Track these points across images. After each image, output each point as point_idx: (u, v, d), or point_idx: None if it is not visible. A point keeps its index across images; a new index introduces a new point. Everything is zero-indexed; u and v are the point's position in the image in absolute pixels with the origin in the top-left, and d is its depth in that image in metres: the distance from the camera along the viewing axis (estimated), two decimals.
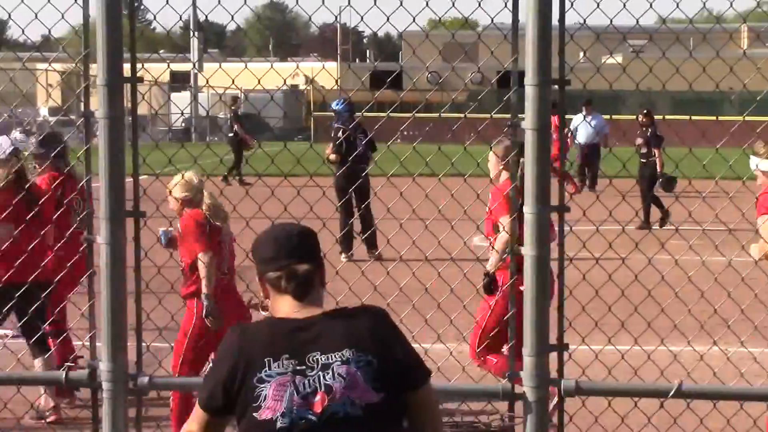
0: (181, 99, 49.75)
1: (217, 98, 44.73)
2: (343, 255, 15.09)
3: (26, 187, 7.76)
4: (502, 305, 6.94)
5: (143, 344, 4.94)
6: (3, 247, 7.48)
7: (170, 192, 7.10)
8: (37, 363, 7.89)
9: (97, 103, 4.70)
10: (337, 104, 16.58)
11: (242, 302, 7.38)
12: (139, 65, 4.76)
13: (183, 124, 50.69)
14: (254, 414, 3.63)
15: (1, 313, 7.64)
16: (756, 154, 7.49)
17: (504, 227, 7.08)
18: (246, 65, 5.02)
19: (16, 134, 8.53)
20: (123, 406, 4.77)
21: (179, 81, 55.15)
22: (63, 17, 4.89)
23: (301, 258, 3.83)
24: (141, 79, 4.78)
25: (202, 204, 7.27)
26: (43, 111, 52.93)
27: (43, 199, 7.48)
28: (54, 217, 7.72)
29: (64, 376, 4.90)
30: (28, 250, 6.80)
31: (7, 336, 9.16)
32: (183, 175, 7.25)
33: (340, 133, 15.72)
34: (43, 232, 7.03)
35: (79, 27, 4.82)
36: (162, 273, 5.41)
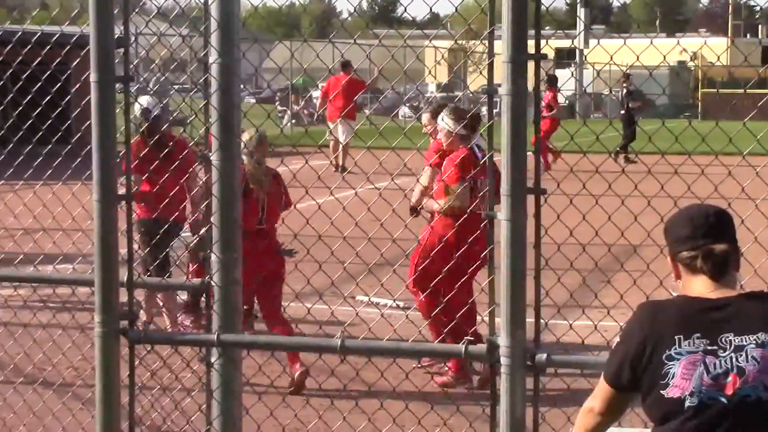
0: (564, 76, 49.81)
1: (597, 75, 44.55)
2: None
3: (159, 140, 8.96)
4: None
5: (542, 321, 4.93)
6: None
7: None
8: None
9: (500, 79, 4.73)
10: None
11: (273, 248, 8.75)
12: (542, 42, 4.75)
13: (566, 102, 50.69)
14: (661, 391, 3.61)
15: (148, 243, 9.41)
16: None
17: None
18: (652, 41, 4.91)
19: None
20: (521, 383, 4.79)
21: (562, 57, 55.22)
22: None
23: (717, 238, 3.76)
24: (545, 56, 4.76)
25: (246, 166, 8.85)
26: (431, 87, 54.32)
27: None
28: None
29: (463, 350, 4.96)
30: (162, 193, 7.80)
31: (386, 305, 9.45)
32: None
33: None
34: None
35: (485, 4, 4.85)
36: (562, 250, 5.39)
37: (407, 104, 43.64)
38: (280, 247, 8.96)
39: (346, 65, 25.00)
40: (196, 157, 8.64)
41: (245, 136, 8.78)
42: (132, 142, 10.03)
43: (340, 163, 24.33)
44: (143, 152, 9.12)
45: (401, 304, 9.12)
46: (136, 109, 10.23)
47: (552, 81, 27.49)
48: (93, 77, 4.79)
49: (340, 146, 24.47)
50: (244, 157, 8.69)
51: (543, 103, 27.73)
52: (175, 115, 10.63)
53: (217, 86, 4.85)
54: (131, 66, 5.00)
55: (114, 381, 5.07)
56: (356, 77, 25.32)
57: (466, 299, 8.10)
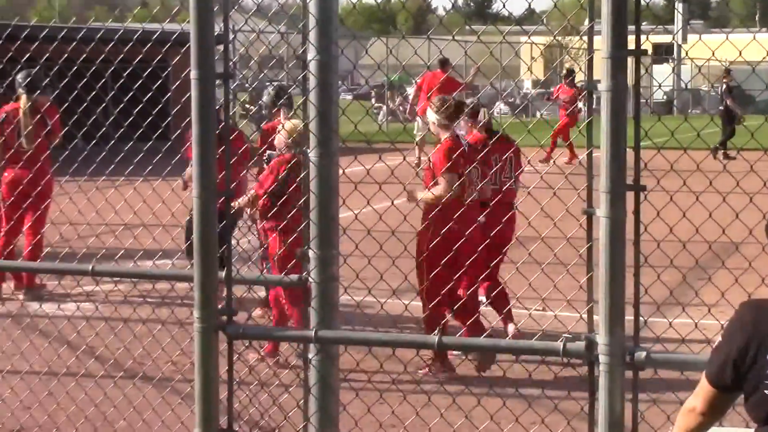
0: (660, 72, 49.25)
1: (698, 71, 43.99)
2: None
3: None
4: None
5: (641, 319, 4.88)
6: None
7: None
8: None
9: (599, 75, 4.68)
10: None
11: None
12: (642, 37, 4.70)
13: (665, 97, 50.14)
14: (766, 391, 3.55)
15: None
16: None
17: None
18: (755, 36, 4.83)
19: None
20: (620, 380, 4.74)
21: (660, 53, 54.64)
22: None
23: None
24: (645, 52, 4.71)
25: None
26: (527, 84, 54.08)
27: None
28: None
29: (561, 348, 4.92)
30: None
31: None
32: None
33: None
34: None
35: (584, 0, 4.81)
36: (661, 247, 5.33)
37: (503, 101, 43.48)
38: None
39: (444, 62, 24.94)
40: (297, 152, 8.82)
41: (289, 126, 9.29)
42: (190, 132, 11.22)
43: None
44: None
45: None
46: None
47: (570, 74, 27.32)
48: (193, 74, 4.83)
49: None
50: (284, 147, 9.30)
51: (562, 97, 27.30)
52: (273, 111, 10.91)
53: (315, 83, 4.87)
54: (230, 63, 5.02)
55: (213, 376, 5.11)
56: (453, 76, 25.28)
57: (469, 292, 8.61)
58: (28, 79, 11.79)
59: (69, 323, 9.59)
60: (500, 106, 40.95)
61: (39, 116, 11.33)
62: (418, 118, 25.78)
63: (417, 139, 25.28)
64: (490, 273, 8.84)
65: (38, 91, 11.75)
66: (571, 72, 27.94)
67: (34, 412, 7.44)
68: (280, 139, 9.44)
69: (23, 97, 11.80)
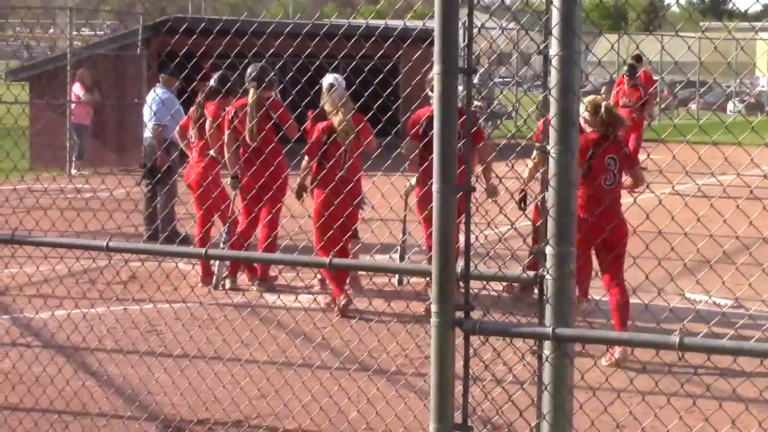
0: None
1: None
2: None
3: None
4: None
5: None
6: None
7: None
8: None
9: None
10: None
11: (353, 192, 9.72)
12: None
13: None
14: None
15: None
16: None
17: None
18: None
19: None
20: None
21: None
22: None
23: None
24: None
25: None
26: (763, 81, 52.53)
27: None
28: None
29: None
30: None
31: (726, 305, 9.15)
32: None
33: None
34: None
35: None
36: None
37: (737, 98, 42.43)
38: (360, 193, 10.32)
39: (637, 60, 24.13)
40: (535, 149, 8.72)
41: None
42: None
43: None
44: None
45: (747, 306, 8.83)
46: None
47: (633, 68, 23.25)
48: (436, 69, 4.83)
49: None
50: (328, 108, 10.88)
51: (623, 101, 23.30)
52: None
53: (558, 79, 4.81)
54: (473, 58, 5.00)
55: (449, 371, 5.10)
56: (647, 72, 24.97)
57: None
58: (256, 74, 12.04)
59: (305, 315, 9.77)
60: (735, 103, 39.98)
61: (264, 111, 11.53)
62: None
63: None
64: (609, 268, 9.16)
65: (265, 86, 11.97)
66: (633, 65, 23.45)
67: (270, 400, 7.60)
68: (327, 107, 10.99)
69: (251, 92, 12.04)
